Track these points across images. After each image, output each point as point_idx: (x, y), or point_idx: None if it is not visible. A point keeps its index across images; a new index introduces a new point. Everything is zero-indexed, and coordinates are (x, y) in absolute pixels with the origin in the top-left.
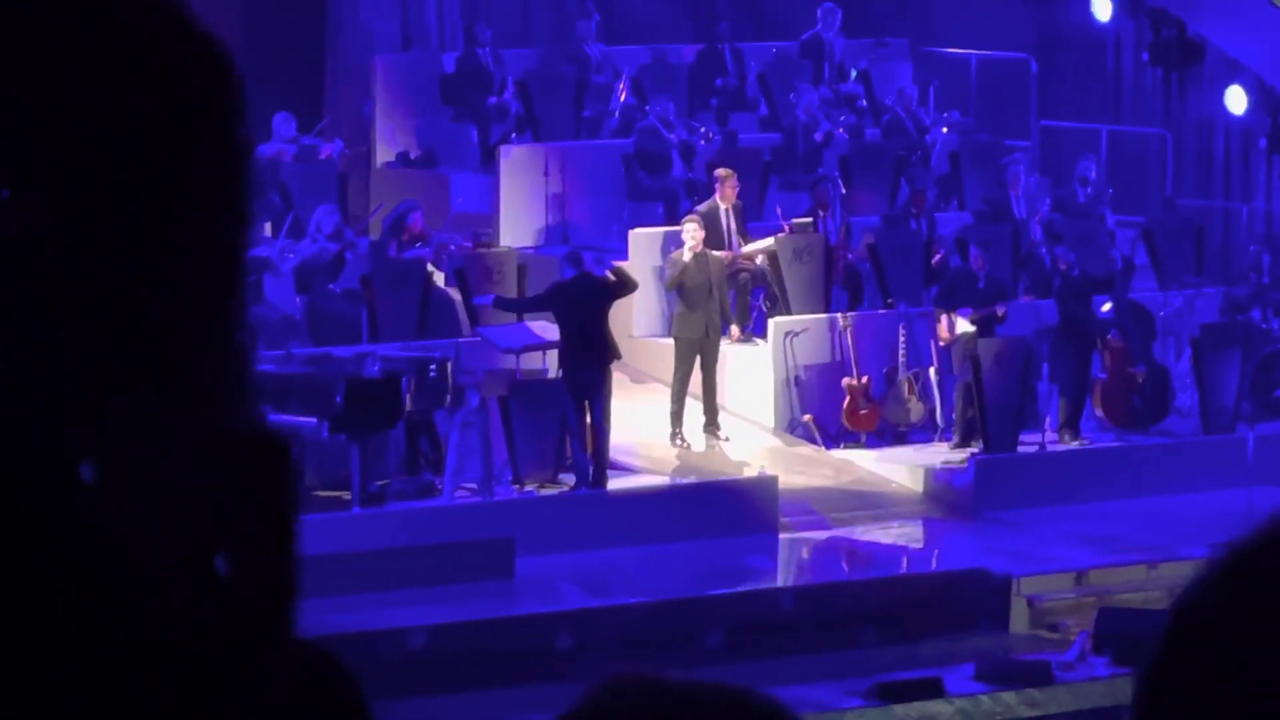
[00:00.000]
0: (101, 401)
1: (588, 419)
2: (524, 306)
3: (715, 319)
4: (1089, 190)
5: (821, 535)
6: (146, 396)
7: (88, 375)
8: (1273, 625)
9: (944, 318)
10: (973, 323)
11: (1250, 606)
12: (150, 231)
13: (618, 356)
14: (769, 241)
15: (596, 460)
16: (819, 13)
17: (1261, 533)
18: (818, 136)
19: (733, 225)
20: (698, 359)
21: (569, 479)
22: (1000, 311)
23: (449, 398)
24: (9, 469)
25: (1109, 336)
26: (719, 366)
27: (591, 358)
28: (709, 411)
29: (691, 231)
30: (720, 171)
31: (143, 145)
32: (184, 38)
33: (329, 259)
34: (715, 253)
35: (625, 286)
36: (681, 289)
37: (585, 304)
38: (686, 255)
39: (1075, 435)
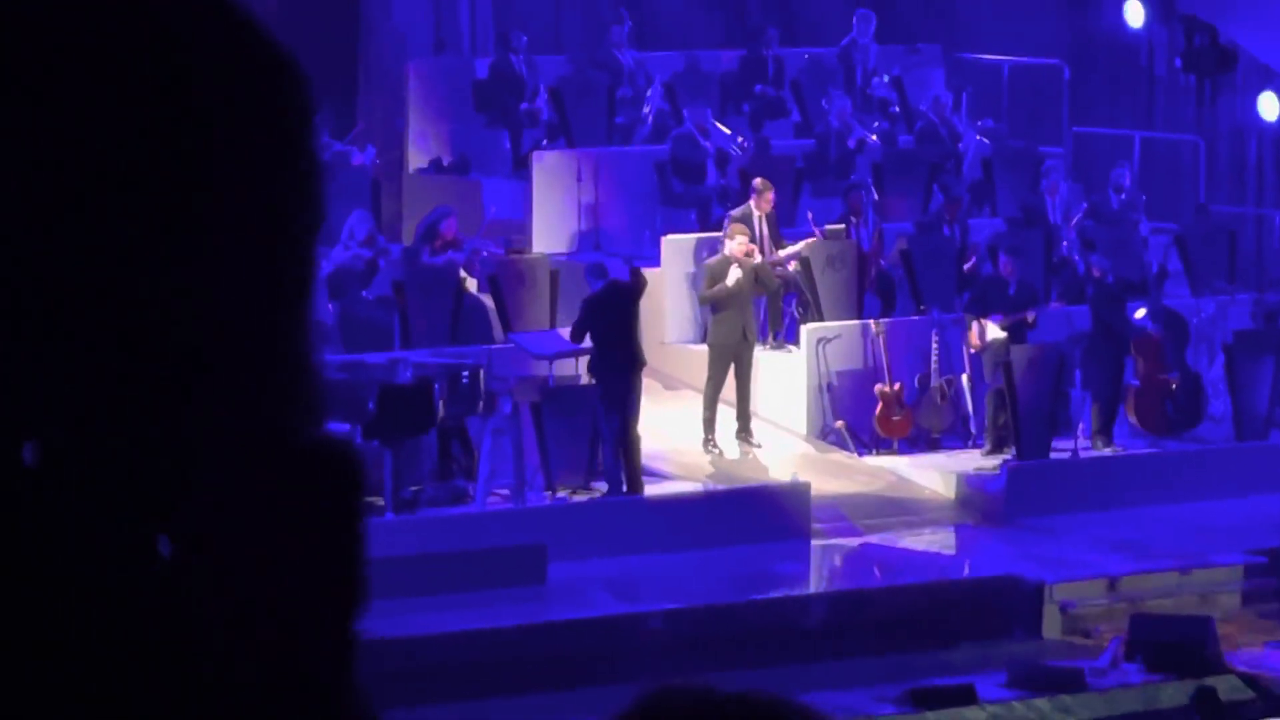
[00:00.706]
0: (165, 410)
1: (619, 425)
2: (580, 332)
3: (751, 325)
4: (1123, 197)
5: (854, 542)
6: (211, 406)
7: (148, 383)
8: None
9: (975, 324)
10: (1004, 329)
11: None
12: (218, 240)
13: (643, 364)
14: (801, 246)
15: (629, 468)
16: (854, 19)
17: None
18: (851, 143)
19: (765, 232)
20: (732, 366)
21: (601, 485)
22: (1031, 317)
23: (481, 404)
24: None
25: (1145, 334)
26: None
27: (621, 364)
28: (742, 418)
29: (742, 244)
30: (758, 183)
31: (213, 156)
32: (259, 53)
33: (362, 266)
34: (752, 260)
35: (641, 286)
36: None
37: (612, 312)
38: (732, 280)
39: (1108, 442)
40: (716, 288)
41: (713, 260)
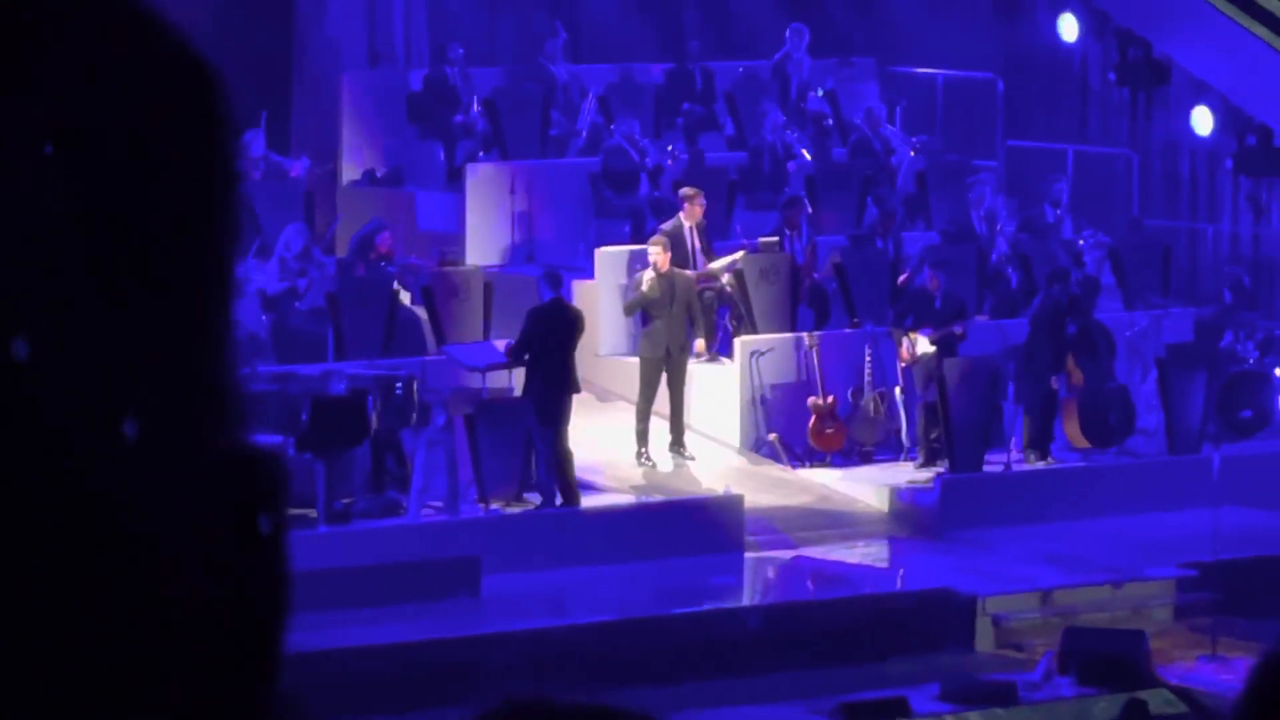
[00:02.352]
0: (94, 419)
1: (553, 439)
2: (524, 347)
3: (680, 337)
4: (1059, 211)
5: (787, 554)
6: (135, 414)
7: (90, 392)
8: None
9: (904, 339)
10: (933, 343)
11: None
12: (139, 248)
13: (578, 390)
14: (736, 256)
15: (562, 483)
16: (787, 33)
17: None
18: (784, 156)
19: (697, 244)
20: (663, 378)
21: (534, 497)
22: (959, 330)
23: (415, 416)
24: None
25: (1078, 347)
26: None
27: (556, 383)
28: (675, 430)
29: (656, 253)
30: (686, 190)
31: (131, 164)
32: (177, 58)
33: (295, 278)
34: (684, 271)
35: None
36: (644, 308)
37: (557, 331)
38: (645, 284)
39: (1041, 455)
40: (632, 296)
41: (640, 274)
